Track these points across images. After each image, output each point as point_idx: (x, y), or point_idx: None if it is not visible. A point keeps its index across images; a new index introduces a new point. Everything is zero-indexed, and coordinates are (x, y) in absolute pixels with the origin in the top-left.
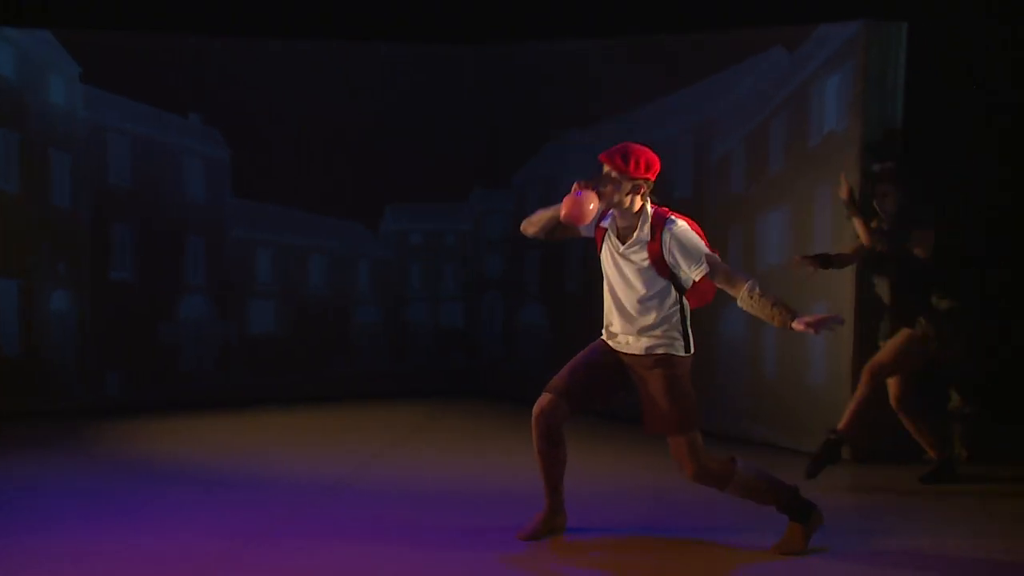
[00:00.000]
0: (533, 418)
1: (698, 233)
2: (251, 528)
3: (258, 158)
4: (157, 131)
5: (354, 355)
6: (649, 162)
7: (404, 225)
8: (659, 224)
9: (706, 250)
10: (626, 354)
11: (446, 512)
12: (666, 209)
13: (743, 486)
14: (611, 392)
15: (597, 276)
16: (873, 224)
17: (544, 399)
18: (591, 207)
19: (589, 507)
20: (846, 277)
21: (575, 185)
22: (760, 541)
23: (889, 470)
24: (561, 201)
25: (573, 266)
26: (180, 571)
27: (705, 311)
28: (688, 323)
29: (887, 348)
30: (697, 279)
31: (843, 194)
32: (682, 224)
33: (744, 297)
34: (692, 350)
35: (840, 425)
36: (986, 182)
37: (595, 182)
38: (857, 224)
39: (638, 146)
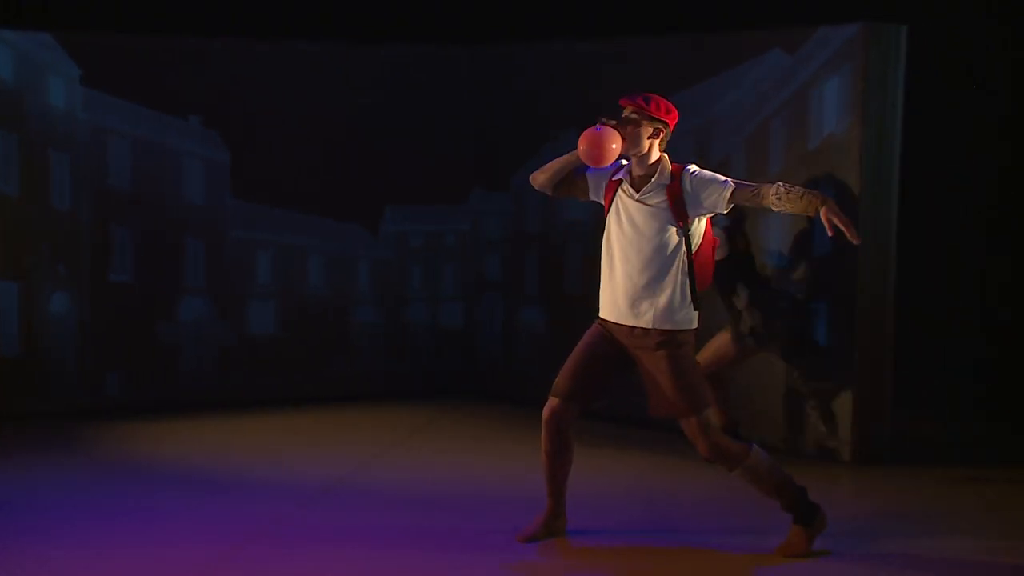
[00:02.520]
0: (543, 422)
1: None
2: (251, 529)
3: (258, 159)
4: (157, 133)
5: (354, 356)
6: (669, 107)
7: (404, 226)
8: (678, 170)
9: (727, 180)
10: (627, 332)
11: (445, 513)
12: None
13: (753, 472)
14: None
15: (598, 273)
16: None
17: (553, 403)
18: (613, 146)
19: (589, 509)
20: (847, 282)
21: (597, 120)
22: (760, 543)
23: (889, 471)
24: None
25: (573, 267)
26: (180, 571)
27: (707, 311)
28: (694, 290)
29: (705, 348)
30: (725, 208)
31: None
32: (699, 170)
33: (775, 202)
34: (696, 323)
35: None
36: (986, 182)
37: (617, 120)
38: None
39: (658, 95)
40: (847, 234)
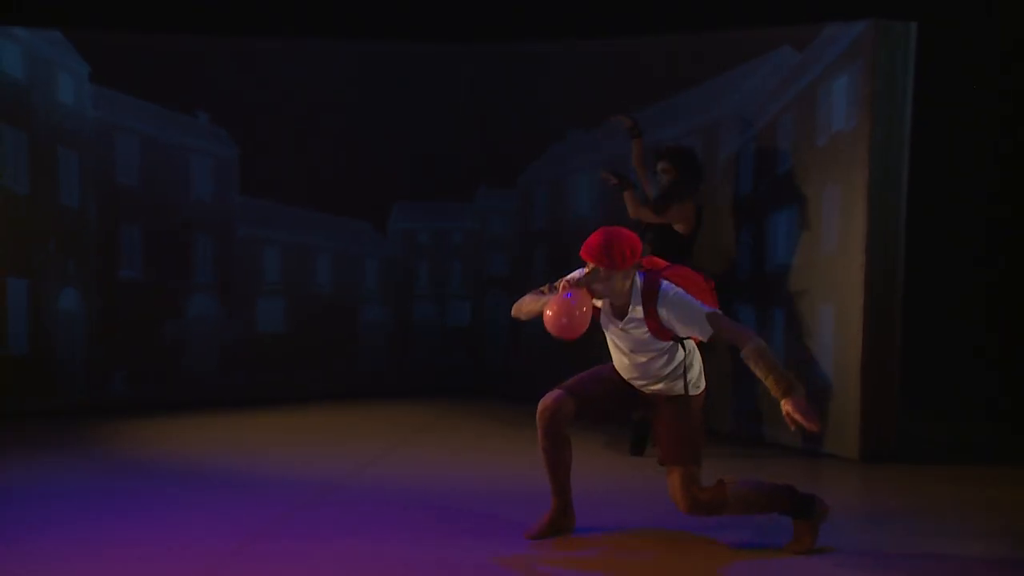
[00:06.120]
0: (537, 414)
1: (692, 281)
2: (255, 527)
3: (266, 157)
4: (165, 130)
5: (361, 353)
6: (634, 248)
7: (411, 223)
8: (651, 297)
9: (704, 311)
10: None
11: (452, 511)
12: (653, 271)
13: (741, 504)
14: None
15: None
16: (648, 196)
17: (550, 396)
18: (584, 311)
19: (594, 507)
20: (854, 281)
21: (563, 285)
22: (763, 540)
23: (893, 470)
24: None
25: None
26: (184, 569)
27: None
28: (700, 365)
29: None
30: (705, 339)
31: (611, 181)
32: (673, 293)
33: (747, 358)
34: (704, 386)
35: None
36: (994, 180)
37: (584, 278)
38: (626, 197)
39: (617, 234)
40: (807, 426)
